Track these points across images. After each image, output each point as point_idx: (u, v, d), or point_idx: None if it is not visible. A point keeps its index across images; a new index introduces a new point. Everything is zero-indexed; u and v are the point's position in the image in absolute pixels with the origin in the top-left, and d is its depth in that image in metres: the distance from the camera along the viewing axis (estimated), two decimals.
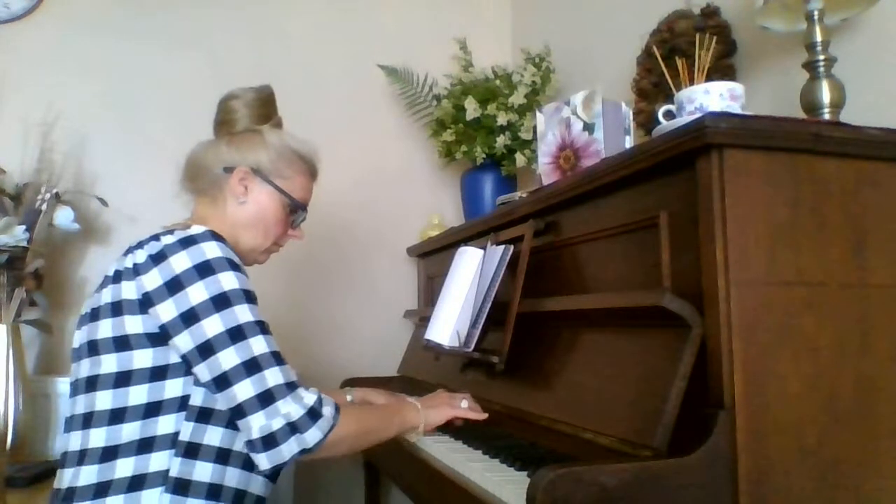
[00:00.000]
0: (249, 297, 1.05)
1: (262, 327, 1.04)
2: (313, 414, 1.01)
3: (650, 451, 0.90)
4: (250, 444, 1.00)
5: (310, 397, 1.03)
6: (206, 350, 1.00)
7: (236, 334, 1.00)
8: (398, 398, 1.49)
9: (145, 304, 1.02)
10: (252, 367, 1.00)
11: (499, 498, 0.95)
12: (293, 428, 0.99)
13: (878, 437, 0.94)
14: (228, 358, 0.99)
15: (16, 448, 1.73)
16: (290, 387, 1.02)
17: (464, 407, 1.30)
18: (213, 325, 1.00)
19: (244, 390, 0.99)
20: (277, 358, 1.03)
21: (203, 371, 1.01)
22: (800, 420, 0.90)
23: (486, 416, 1.30)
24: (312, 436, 1.00)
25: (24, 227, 1.77)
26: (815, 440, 0.91)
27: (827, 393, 0.92)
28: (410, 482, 1.39)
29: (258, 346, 1.01)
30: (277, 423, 0.98)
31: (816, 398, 0.92)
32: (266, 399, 0.99)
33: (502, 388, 1.36)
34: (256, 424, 0.98)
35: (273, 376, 1.01)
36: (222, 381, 1.00)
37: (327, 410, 1.04)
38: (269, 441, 0.98)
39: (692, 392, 0.91)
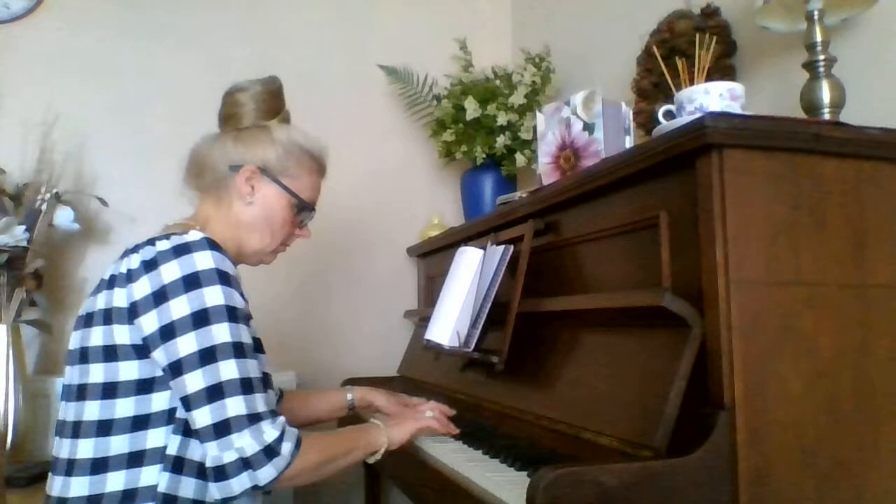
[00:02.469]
0: (233, 314, 1.00)
1: (237, 349, 0.99)
2: (269, 451, 0.96)
3: (650, 451, 0.90)
4: (206, 471, 0.97)
5: (270, 433, 0.97)
6: (176, 369, 0.97)
7: (207, 356, 0.96)
8: (397, 398, 1.49)
9: (132, 313, 1.00)
10: (215, 393, 0.96)
11: (499, 498, 0.95)
12: (246, 463, 0.94)
13: (878, 438, 0.94)
14: (194, 381, 0.96)
15: (16, 448, 1.73)
16: (252, 419, 0.96)
17: (428, 416, 1.28)
18: (186, 344, 0.97)
19: (202, 417, 0.95)
20: (246, 385, 0.98)
21: (175, 389, 0.99)
22: (800, 420, 0.90)
23: (456, 431, 1.28)
24: (266, 473, 0.95)
25: (24, 227, 1.77)
26: (815, 440, 0.91)
27: (827, 393, 0.92)
28: (410, 482, 1.39)
29: (227, 370, 0.97)
30: (229, 457, 0.94)
31: (816, 398, 0.92)
32: (221, 430, 0.95)
33: (502, 388, 1.36)
34: (210, 454, 0.95)
35: (234, 406, 0.96)
36: (186, 404, 0.97)
37: (285, 447, 0.98)
38: (220, 473, 0.94)
39: (692, 392, 0.91)
